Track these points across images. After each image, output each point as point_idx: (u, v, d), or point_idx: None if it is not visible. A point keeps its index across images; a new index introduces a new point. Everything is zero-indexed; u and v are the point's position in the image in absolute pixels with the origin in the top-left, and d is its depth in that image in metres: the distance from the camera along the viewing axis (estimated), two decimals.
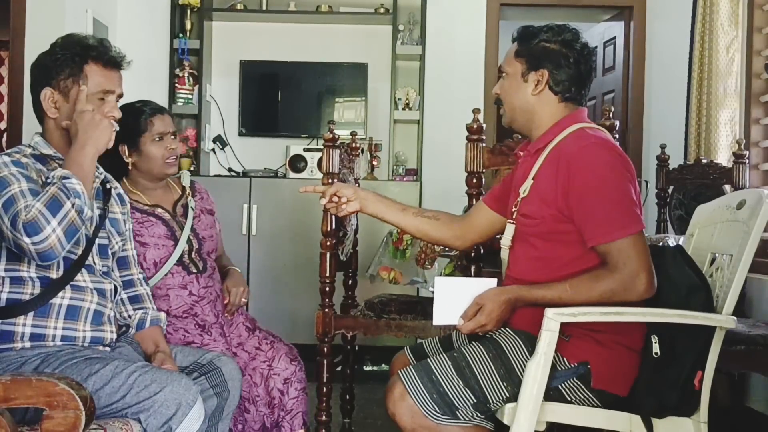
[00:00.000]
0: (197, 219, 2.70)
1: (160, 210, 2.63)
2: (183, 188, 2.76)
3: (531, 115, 2.15)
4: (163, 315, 2.33)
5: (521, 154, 2.23)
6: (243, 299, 2.69)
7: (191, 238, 2.64)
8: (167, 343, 2.31)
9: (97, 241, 2.12)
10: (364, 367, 4.67)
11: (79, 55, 2.06)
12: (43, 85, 2.06)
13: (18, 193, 1.86)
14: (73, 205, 1.86)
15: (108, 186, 2.22)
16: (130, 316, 2.26)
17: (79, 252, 2.05)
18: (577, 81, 2.12)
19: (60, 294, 2.00)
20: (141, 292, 2.33)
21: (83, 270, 2.06)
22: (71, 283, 2.03)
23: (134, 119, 2.57)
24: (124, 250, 2.29)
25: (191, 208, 2.70)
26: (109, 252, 2.19)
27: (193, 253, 2.63)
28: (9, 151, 2.06)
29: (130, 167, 2.60)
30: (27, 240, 1.81)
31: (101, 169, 2.20)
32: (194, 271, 2.61)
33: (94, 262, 2.11)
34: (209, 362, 2.23)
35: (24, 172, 1.94)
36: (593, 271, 1.97)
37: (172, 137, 2.63)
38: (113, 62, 2.11)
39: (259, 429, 2.61)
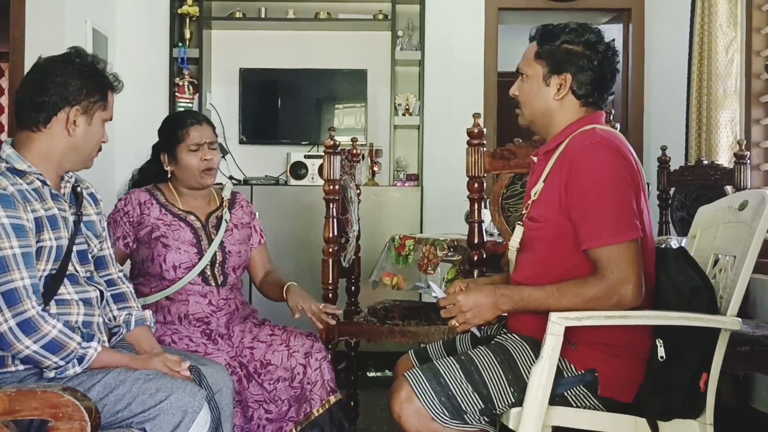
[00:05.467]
0: (229, 233, 2.71)
1: (192, 217, 2.67)
2: (222, 200, 2.78)
3: (550, 119, 2.11)
4: (148, 313, 2.30)
5: (534, 159, 2.21)
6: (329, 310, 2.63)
7: (217, 251, 2.65)
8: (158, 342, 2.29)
9: (75, 248, 2.09)
10: (368, 373, 4.66)
11: (106, 81, 2.11)
12: (69, 103, 2.03)
13: (21, 289, 1.87)
14: (67, 354, 1.92)
15: (79, 189, 2.19)
16: (115, 317, 2.23)
17: (58, 265, 2.02)
18: (600, 84, 2.07)
19: None
20: (124, 290, 2.30)
21: (66, 281, 2.03)
22: (55, 297, 2.00)
23: (172, 129, 2.66)
24: (101, 251, 2.26)
25: (225, 221, 2.71)
26: (89, 256, 2.17)
27: (216, 266, 2.64)
28: None
29: (169, 175, 2.68)
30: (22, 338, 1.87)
31: (71, 173, 2.17)
32: (212, 284, 2.63)
33: (77, 271, 2.08)
34: (192, 367, 2.16)
35: (15, 221, 1.90)
36: (583, 277, 1.94)
37: (211, 148, 2.66)
38: (117, 90, 2.17)
39: (288, 410, 2.58)
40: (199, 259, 2.61)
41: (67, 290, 2.03)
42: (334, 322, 2.63)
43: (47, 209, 2.01)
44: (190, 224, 2.66)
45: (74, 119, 2.04)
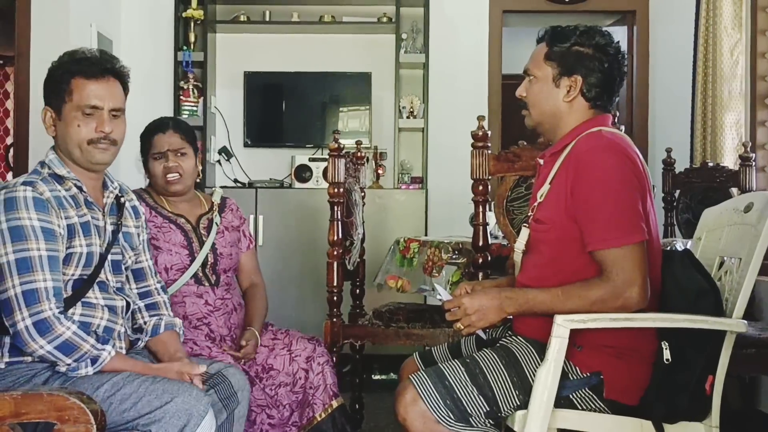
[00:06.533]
0: (220, 235, 2.72)
1: (182, 220, 2.68)
2: (212, 204, 2.78)
3: (558, 121, 2.11)
4: (178, 321, 2.33)
5: (541, 162, 2.20)
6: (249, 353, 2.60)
7: (208, 253, 2.65)
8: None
9: (110, 257, 2.12)
10: (373, 375, 4.66)
11: (69, 70, 2.06)
12: (44, 104, 2.08)
13: (42, 290, 1.90)
14: (80, 355, 1.93)
15: (123, 200, 2.23)
16: (146, 323, 2.25)
17: (91, 270, 2.06)
18: (608, 87, 2.07)
19: (70, 311, 2.00)
20: (158, 300, 2.32)
21: (95, 287, 2.07)
22: (82, 300, 2.03)
23: (143, 139, 2.70)
24: (139, 262, 2.29)
25: (216, 223, 2.72)
26: (122, 267, 2.19)
27: (208, 268, 2.65)
28: (28, 175, 2.05)
29: (147, 181, 2.72)
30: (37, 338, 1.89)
31: (116, 183, 2.22)
32: (206, 284, 2.64)
33: (107, 279, 2.11)
34: (217, 373, 2.22)
35: (45, 225, 1.94)
36: (588, 279, 1.94)
37: (178, 155, 2.65)
38: (99, 72, 2.07)
39: (291, 415, 2.59)
40: (191, 261, 2.62)
41: (95, 295, 2.07)
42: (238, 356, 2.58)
43: (81, 216, 2.05)
44: (181, 227, 2.66)
45: (47, 119, 2.09)
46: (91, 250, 2.05)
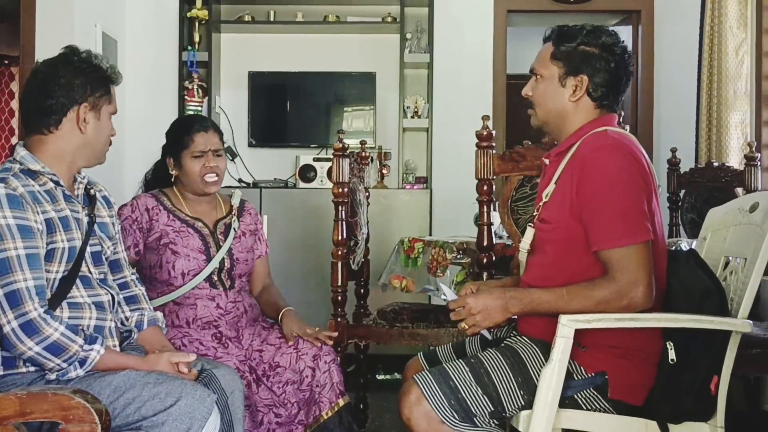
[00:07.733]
0: (237, 240, 2.71)
1: (200, 224, 2.67)
2: (231, 207, 2.78)
3: (564, 120, 2.11)
4: (159, 315, 2.33)
5: (546, 162, 2.20)
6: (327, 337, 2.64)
7: (225, 258, 2.65)
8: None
9: (89, 249, 2.10)
10: (377, 375, 4.66)
11: (106, 75, 2.13)
12: (77, 101, 2.06)
13: (24, 290, 1.88)
14: (69, 356, 1.92)
15: (93, 191, 2.21)
16: (128, 318, 2.25)
17: (71, 266, 2.03)
18: (615, 87, 2.07)
19: (57, 312, 1.97)
20: (136, 293, 2.32)
21: (78, 283, 2.04)
22: (67, 300, 2.01)
23: (178, 134, 2.67)
24: (115, 253, 2.28)
25: (234, 228, 2.71)
26: (103, 258, 2.18)
27: (224, 272, 2.65)
28: None
29: (173, 179, 2.70)
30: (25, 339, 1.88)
31: (84, 174, 2.19)
32: (220, 288, 2.63)
33: (90, 272, 2.09)
34: (207, 371, 2.17)
35: (21, 222, 1.91)
36: (593, 279, 1.93)
37: (216, 155, 2.67)
38: (117, 83, 2.20)
39: (298, 413, 2.59)
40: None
41: (80, 293, 2.04)
42: (331, 343, 2.63)
43: (59, 210, 2.02)
44: (199, 231, 2.66)
45: (84, 117, 2.07)
46: (73, 244, 2.03)
